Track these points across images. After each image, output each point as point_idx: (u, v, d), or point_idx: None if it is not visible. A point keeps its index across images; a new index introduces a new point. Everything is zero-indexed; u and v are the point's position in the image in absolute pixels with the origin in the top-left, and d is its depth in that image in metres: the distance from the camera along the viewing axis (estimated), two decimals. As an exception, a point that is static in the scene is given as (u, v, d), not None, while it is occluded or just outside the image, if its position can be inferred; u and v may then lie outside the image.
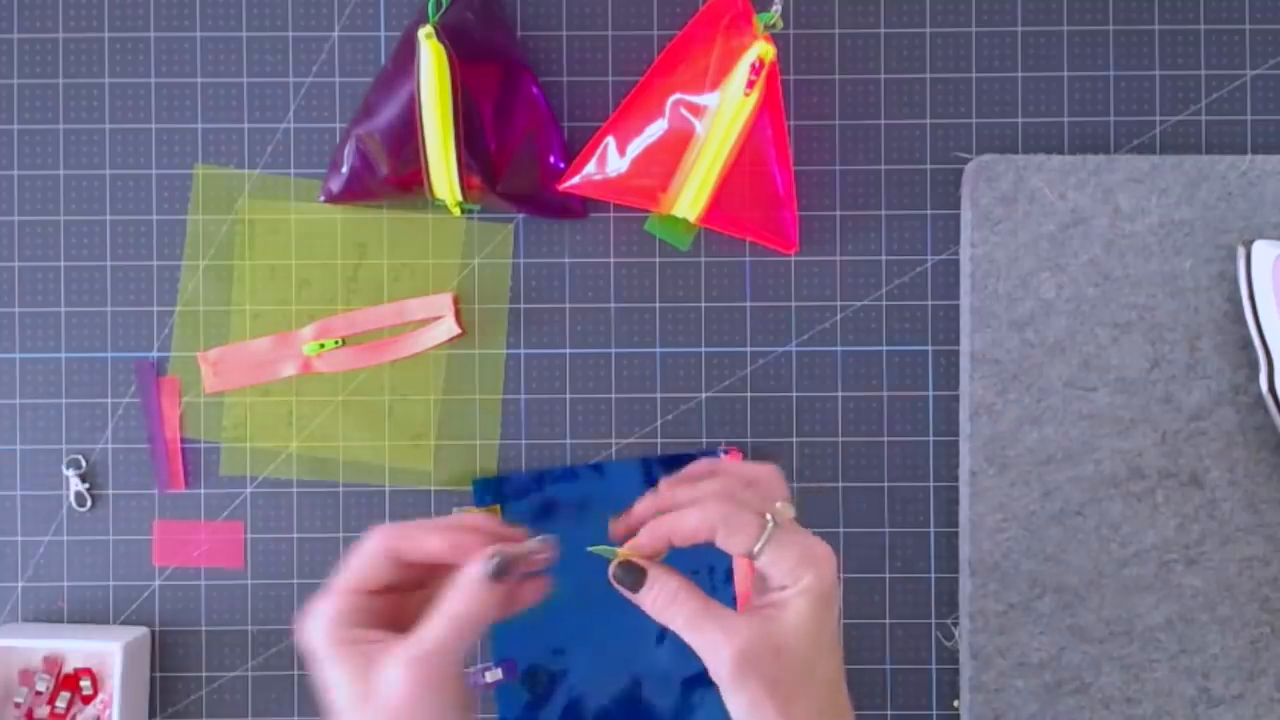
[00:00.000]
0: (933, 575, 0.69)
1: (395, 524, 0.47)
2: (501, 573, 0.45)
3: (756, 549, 0.46)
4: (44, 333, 0.69)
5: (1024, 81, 0.69)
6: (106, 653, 0.66)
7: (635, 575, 0.47)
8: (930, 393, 0.69)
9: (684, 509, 0.47)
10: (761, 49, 0.60)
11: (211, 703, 0.68)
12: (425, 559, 0.47)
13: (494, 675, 0.67)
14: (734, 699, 0.45)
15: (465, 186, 0.63)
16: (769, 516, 0.47)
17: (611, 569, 0.47)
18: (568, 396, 0.69)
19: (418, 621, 0.46)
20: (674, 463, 0.67)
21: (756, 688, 0.45)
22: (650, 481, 0.68)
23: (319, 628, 0.45)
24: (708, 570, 0.67)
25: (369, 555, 0.46)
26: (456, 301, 0.68)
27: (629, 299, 0.69)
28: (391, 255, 0.69)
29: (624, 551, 0.48)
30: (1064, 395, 0.66)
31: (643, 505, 0.51)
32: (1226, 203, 0.66)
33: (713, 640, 0.45)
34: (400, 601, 0.48)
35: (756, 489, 0.49)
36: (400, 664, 0.44)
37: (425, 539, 0.46)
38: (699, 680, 0.67)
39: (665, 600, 0.47)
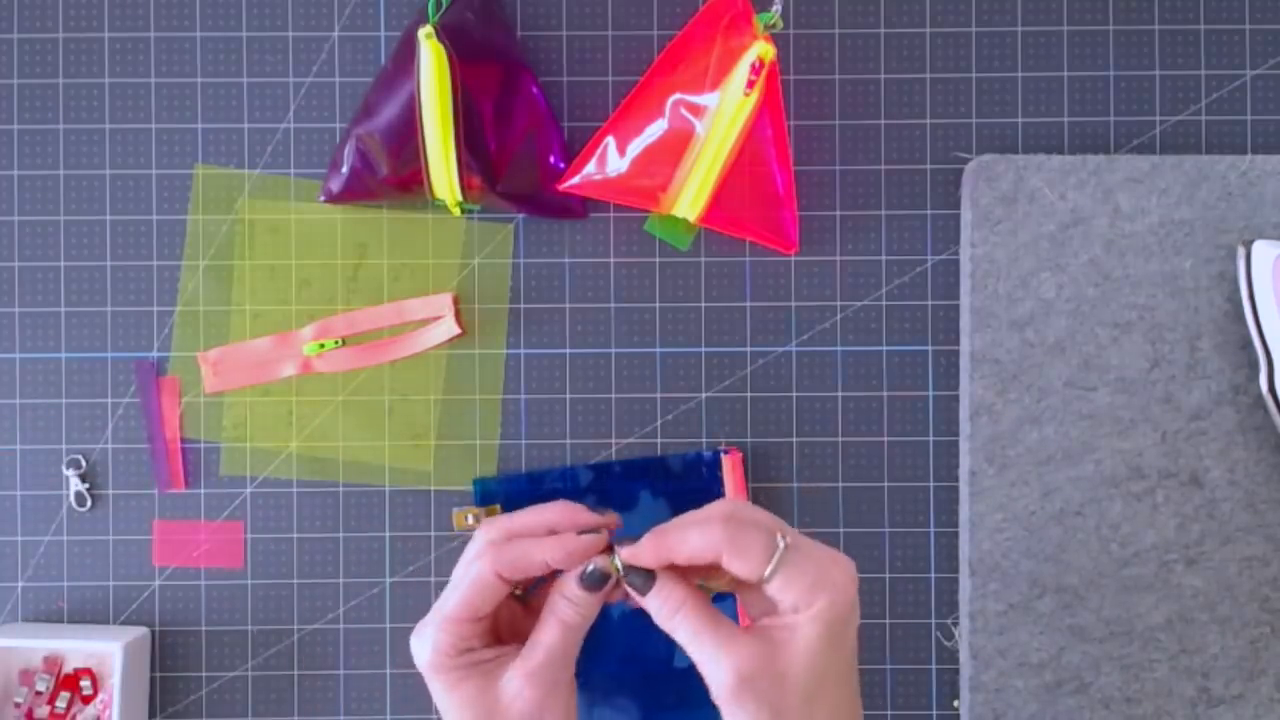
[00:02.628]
0: (933, 575, 0.69)
1: (498, 533, 0.47)
2: (597, 584, 0.46)
3: (766, 572, 0.44)
4: (44, 333, 0.69)
5: (1024, 81, 0.69)
6: (106, 653, 0.66)
7: (643, 577, 0.46)
8: (930, 393, 0.69)
9: (687, 526, 0.45)
10: (761, 49, 0.60)
11: (211, 703, 0.68)
12: (539, 573, 0.47)
13: None
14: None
15: (465, 186, 0.63)
16: (779, 536, 0.45)
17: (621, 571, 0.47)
18: (568, 396, 0.69)
19: (519, 619, 0.48)
20: (675, 463, 0.68)
21: (754, 712, 0.43)
22: (650, 482, 0.68)
23: (433, 657, 0.46)
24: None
25: (481, 584, 0.46)
26: (456, 301, 0.68)
27: (629, 299, 0.69)
28: (391, 255, 0.69)
29: (624, 558, 0.47)
30: (1064, 395, 0.66)
31: (650, 535, 0.48)
32: (1226, 203, 0.66)
33: (713, 656, 0.44)
34: (504, 603, 0.49)
35: (763, 512, 0.48)
36: (521, 678, 0.45)
37: (536, 553, 0.46)
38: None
39: (671, 608, 0.46)
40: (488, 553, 0.46)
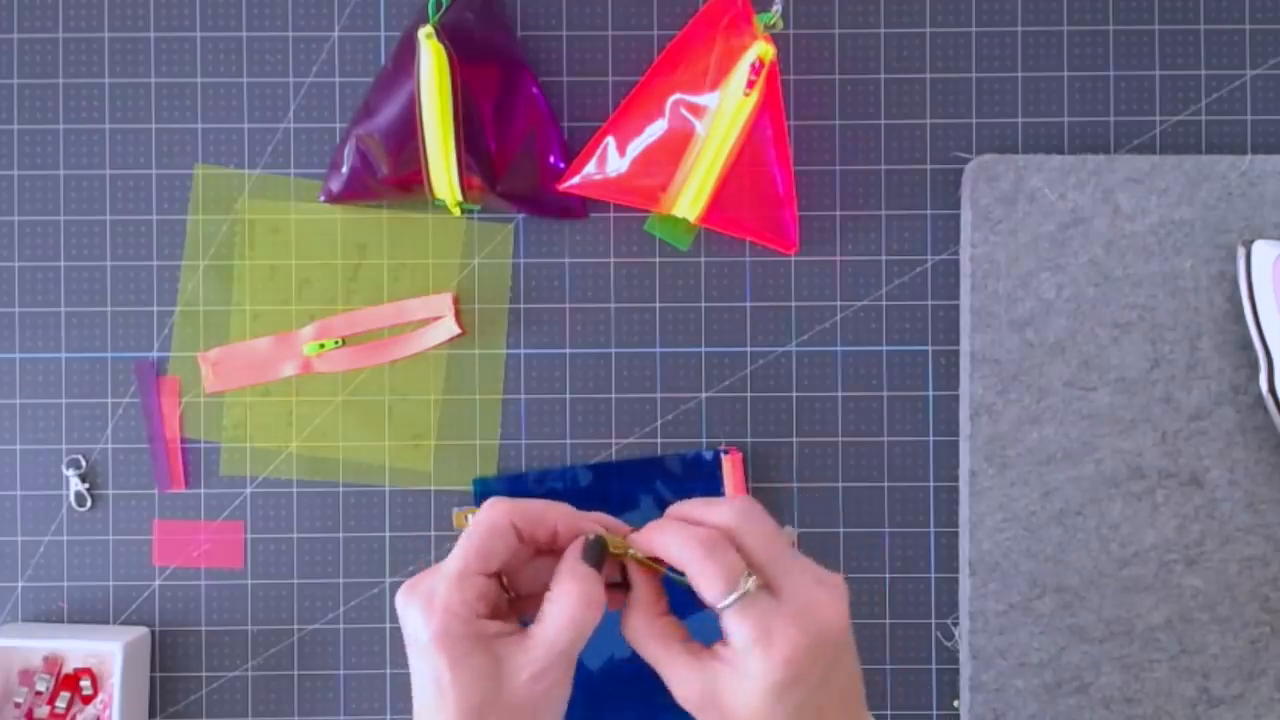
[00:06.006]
0: (933, 575, 0.69)
1: (509, 500, 0.44)
2: (597, 555, 0.44)
3: (720, 605, 0.42)
4: (44, 333, 0.69)
5: (1024, 81, 0.69)
6: (106, 653, 0.66)
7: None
8: (930, 393, 0.69)
9: (676, 534, 0.44)
10: (761, 49, 0.60)
11: (211, 703, 0.68)
12: (544, 538, 0.44)
13: None
14: None
15: (465, 186, 0.63)
16: (744, 579, 0.42)
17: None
18: (568, 396, 0.69)
19: (506, 605, 0.45)
20: (674, 463, 0.68)
21: None
22: (650, 482, 0.68)
23: (443, 621, 0.42)
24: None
25: (495, 531, 0.43)
26: (456, 301, 0.68)
27: (629, 299, 0.69)
28: (391, 255, 0.69)
29: (631, 542, 0.45)
30: (1064, 395, 0.66)
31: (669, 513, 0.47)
32: (1226, 203, 0.66)
33: (666, 680, 0.44)
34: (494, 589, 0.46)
35: (768, 537, 0.44)
36: (530, 669, 0.42)
37: (549, 514, 0.44)
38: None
39: (630, 634, 0.45)
40: (500, 502, 0.44)
